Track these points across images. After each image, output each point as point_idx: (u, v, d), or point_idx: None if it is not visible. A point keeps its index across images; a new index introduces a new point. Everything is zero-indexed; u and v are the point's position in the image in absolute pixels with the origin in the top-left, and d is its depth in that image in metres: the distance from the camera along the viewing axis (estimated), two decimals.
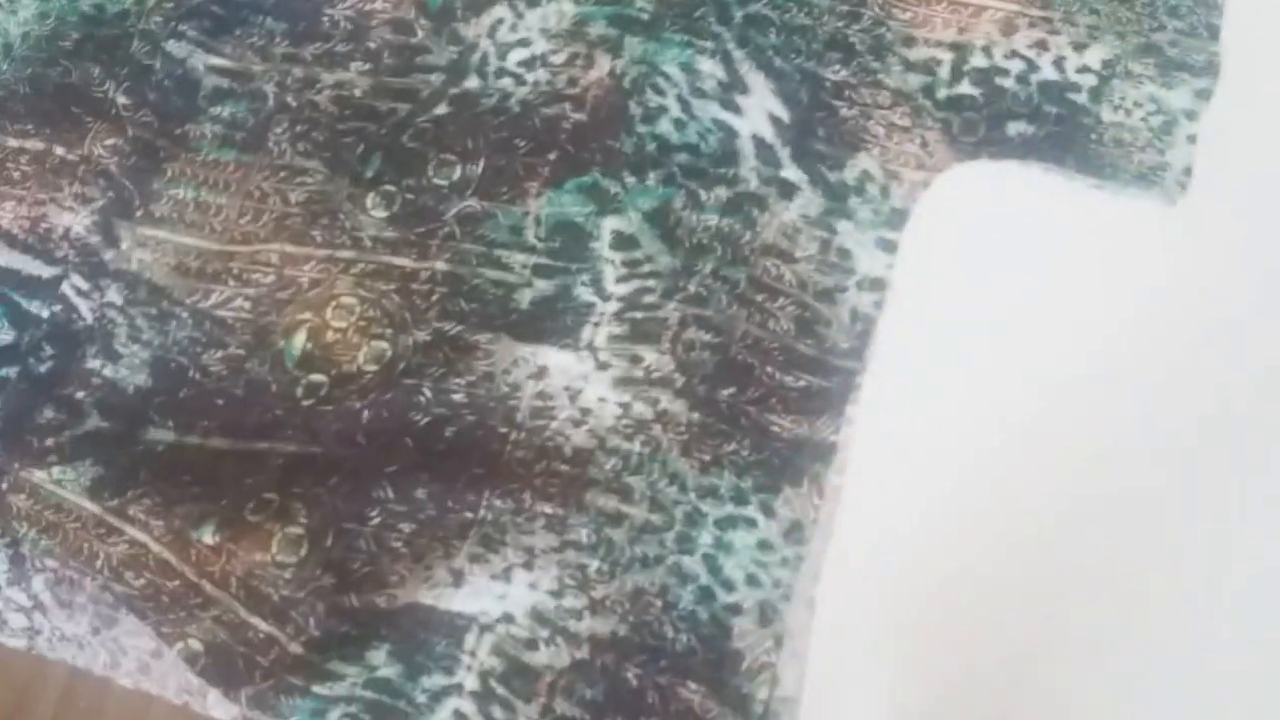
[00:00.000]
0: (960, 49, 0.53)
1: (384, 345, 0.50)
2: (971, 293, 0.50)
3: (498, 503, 0.48)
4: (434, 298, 0.51)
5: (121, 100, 0.54)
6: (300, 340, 0.51)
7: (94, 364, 0.51)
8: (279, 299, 0.51)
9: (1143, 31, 0.52)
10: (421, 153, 0.52)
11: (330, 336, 0.51)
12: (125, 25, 0.55)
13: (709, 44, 0.53)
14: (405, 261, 0.52)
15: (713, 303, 0.51)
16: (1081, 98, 0.52)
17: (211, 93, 0.54)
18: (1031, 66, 0.52)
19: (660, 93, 0.53)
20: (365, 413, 0.49)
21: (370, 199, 0.52)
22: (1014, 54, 0.52)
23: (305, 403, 0.50)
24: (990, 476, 0.48)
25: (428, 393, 0.49)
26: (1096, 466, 0.48)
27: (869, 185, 0.51)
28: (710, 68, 0.53)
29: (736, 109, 0.52)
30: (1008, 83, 0.52)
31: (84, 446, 0.50)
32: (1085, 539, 0.47)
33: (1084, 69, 0.52)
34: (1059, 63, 0.52)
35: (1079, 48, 0.52)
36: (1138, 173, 0.50)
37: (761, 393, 0.50)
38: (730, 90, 0.53)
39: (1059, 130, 0.51)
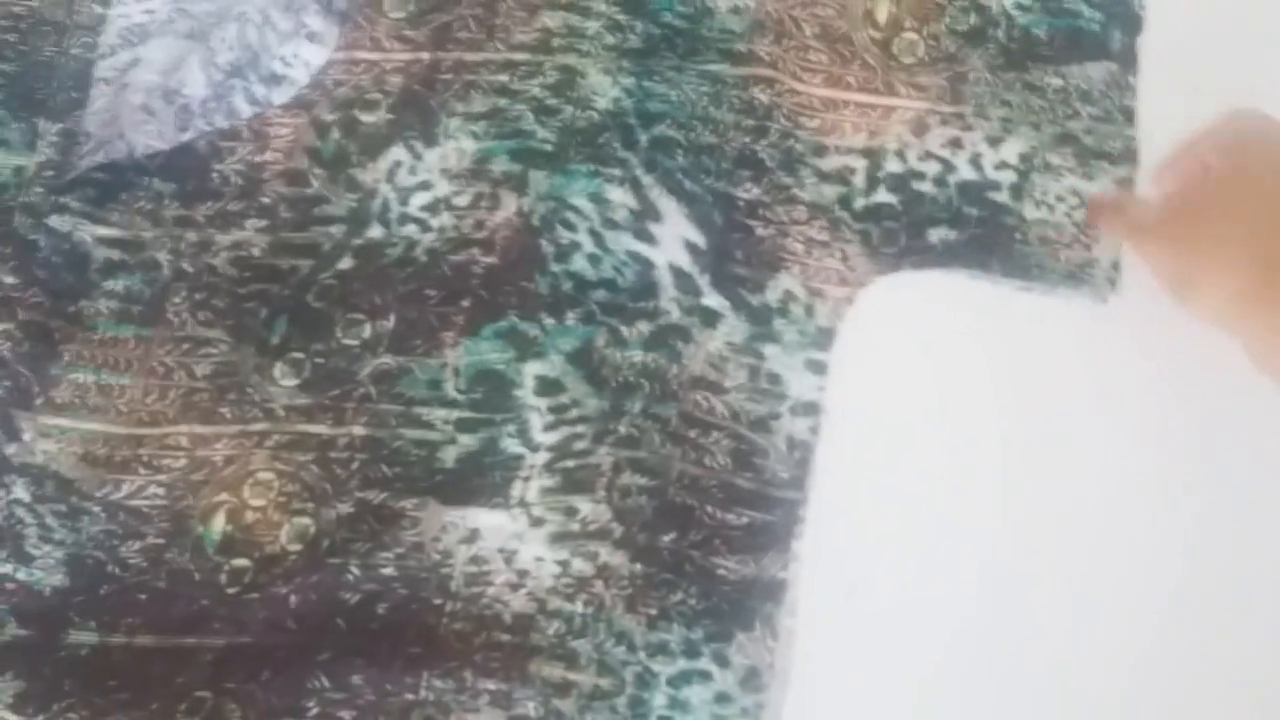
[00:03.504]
0: (873, 155, 0.51)
1: (306, 521, 0.48)
2: (905, 408, 0.49)
3: (438, 683, 0.45)
4: (354, 465, 0.49)
5: (8, 280, 0.52)
6: (219, 524, 0.48)
7: (6, 569, 0.48)
8: (193, 482, 0.49)
9: (1057, 120, 0.51)
10: (328, 313, 0.50)
11: (250, 517, 0.48)
12: (4, 200, 0.53)
13: (617, 171, 0.51)
14: (321, 429, 0.49)
15: (645, 443, 0.49)
16: (1002, 196, 0.50)
17: (103, 266, 0.51)
18: (948, 167, 0.51)
19: (571, 228, 0.51)
20: (293, 597, 0.47)
21: (278, 368, 0.50)
22: (928, 155, 0.51)
23: (230, 590, 0.47)
24: (946, 599, 0.47)
25: (356, 569, 0.47)
26: (1047, 575, 0.47)
27: (793, 306, 0.50)
28: (620, 196, 0.51)
29: (650, 238, 0.51)
30: (925, 187, 0.51)
31: (4, 659, 0.47)
32: (1043, 658, 0.47)
33: (1002, 165, 0.51)
34: (975, 160, 0.51)
35: (994, 143, 0.51)
36: (1066, 271, 0.49)
37: (704, 535, 0.48)
38: (642, 219, 0.51)
39: (981, 233, 0.50)
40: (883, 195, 0.51)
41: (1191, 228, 0.43)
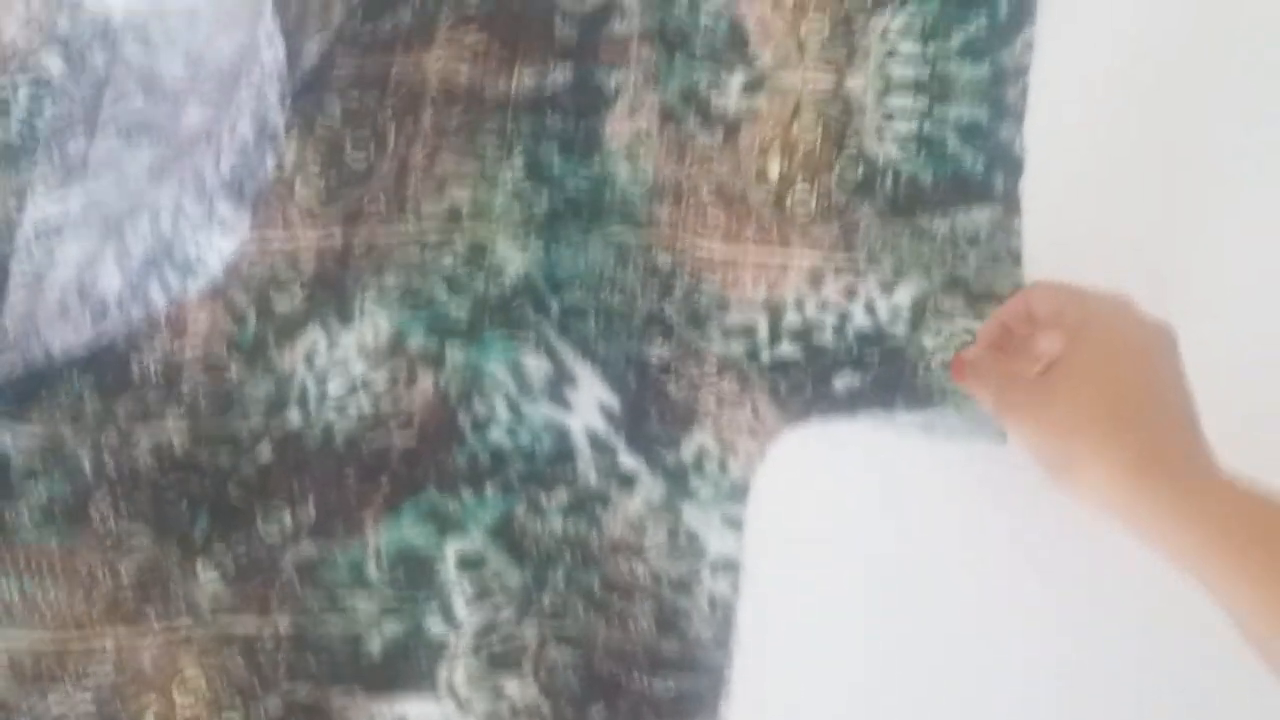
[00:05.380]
0: (773, 308, 0.53)
1: (235, 718, 0.48)
2: (821, 560, 0.50)
3: None
4: (280, 658, 0.49)
5: None
6: None
7: None
8: (120, 686, 0.49)
9: (946, 264, 0.53)
10: (248, 503, 0.51)
11: (179, 716, 0.49)
12: None
13: (530, 336, 0.53)
14: (246, 622, 0.50)
15: (569, 614, 0.49)
16: (899, 336, 0.52)
17: (24, 473, 0.52)
18: (845, 315, 0.52)
19: (487, 398, 0.52)
20: None
21: (200, 564, 0.50)
22: (825, 305, 0.53)
23: None
24: None
25: None
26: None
27: (706, 461, 0.51)
28: (535, 363, 0.52)
29: (566, 404, 0.52)
30: (825, 336, 0.52)
31: None
32: None
33: (895, 310, 0.52)
34: (870, 306, 0.52)
35: (887, 288, 0.53)
36: (968, 392, 0.50)
37: (631, 704, 0.48)
38: (558, 384, 0.52)
39: (884, 371, 0.51)
40: (786, 347, 0.52)
41: (1062, 413, 0.43)
